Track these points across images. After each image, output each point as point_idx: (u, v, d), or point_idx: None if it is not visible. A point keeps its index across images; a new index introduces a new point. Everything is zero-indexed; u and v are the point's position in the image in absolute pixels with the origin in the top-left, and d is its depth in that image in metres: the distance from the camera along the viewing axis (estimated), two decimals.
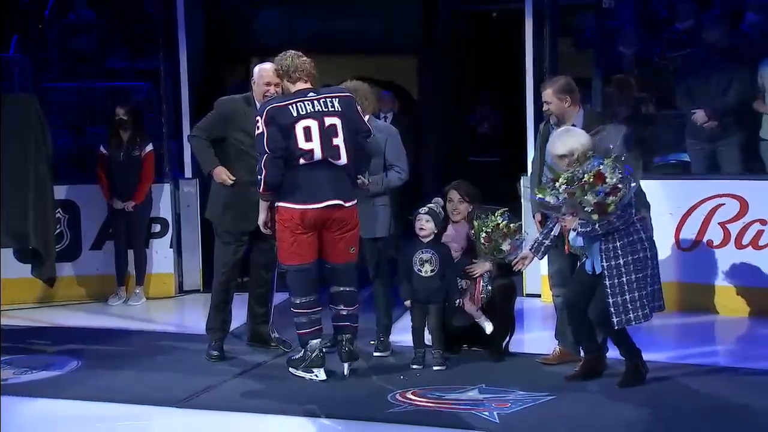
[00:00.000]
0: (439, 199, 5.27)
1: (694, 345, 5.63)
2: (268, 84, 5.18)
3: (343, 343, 4.89)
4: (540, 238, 4.80)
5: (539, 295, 6.78)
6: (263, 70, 5.23)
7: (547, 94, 4.89)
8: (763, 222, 6.22)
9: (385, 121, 7.80)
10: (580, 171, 4.44)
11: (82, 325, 6.44)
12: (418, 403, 4.51)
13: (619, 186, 4.40)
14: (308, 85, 4.85)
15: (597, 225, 4.47)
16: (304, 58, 4.87)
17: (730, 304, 6.29)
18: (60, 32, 8.75)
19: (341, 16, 9.90)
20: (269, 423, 4.44)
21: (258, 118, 4.76)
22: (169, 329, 6.41)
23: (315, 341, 4.85)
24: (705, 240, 6.36)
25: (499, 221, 5.10)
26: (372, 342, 5.43)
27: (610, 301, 4.52)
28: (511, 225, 5.13)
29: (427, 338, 5.19)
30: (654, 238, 4.70)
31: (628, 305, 4.51)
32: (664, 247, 6.17)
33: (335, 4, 9.86)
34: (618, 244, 4.52)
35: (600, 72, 7.29)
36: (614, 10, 7.63)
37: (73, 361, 5.38)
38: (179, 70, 7.35)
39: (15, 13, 8.33)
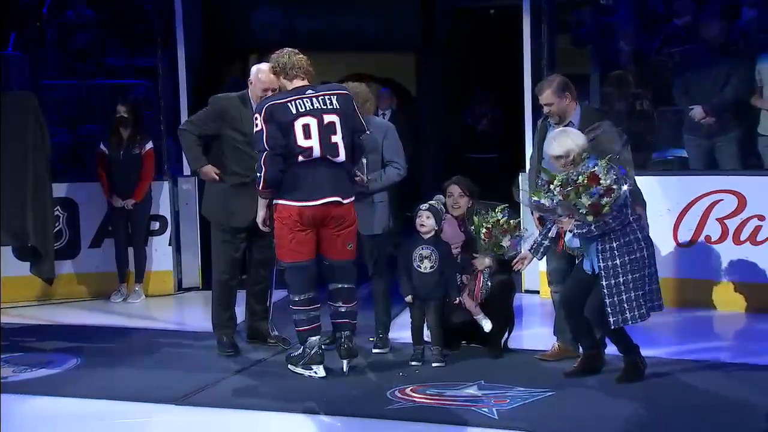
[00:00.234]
0: (440, 196, 5.28)
1: (693, 341, 5.64)
2: (266, 89, 5.18)
3: (342, 340, 4.90)
4: (539, 239, 4.81)
5: (538, 292, 6.79)
6: (262, 73, 5.23)
7: (546, 96, 4.89)
8: (761, 218, 6.22)
9: (384, 118, 7.81)
10: (575, 173, 4.46)
11: (82, 323, 6.44)
12: (417, 399, 4.52)
13: (614, 187, 4.42)
14: (305, 83, 4.86)
15: (593, 226, 4.48)
16: (301, 56, 4.87)
17: (728, 300, 6.30)
18: (58, 30, 8.74)
19: (340, 14, 9.90)
20: (268, 420, 4.45)
21: (257, 115, 4.77)
22: (168, 327, 6.42)
23: (314, 338, 4.86)
24: (703, 236, 6.36)
25: (500, 217, 5.11)
26: (371, 339, 5.44)
27: (607, 301, 4.53)
28: (511, 221, 5.14)
29: (426, 335, 5.19)
30: (651, 236, 4.71)
31: (625, 305, 4.53)
32: (662, 243, 6.19)
33: (334, 2, 9.86)
34: (614, 244, 4.53)
35: (598, 68, 7.31)
36: (612, 7, 7.63)
37: (72, 359, 5.39)
38: (178, 68, 7.35)
39: (13, 11, 8.32)
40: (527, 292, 6.88)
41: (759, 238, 6.23)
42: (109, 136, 7.10)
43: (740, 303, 6.28)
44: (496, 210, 5.14)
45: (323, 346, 4.93)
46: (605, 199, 4.43)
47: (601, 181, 4.42)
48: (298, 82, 4.85)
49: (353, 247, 4.96)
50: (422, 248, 5.11)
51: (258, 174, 4.75)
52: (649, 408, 4.35)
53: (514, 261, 4.97)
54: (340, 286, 4.92)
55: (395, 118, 7.98)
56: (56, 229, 6.71)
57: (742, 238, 6.28)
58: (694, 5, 7.20)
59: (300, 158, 4.75)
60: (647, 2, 7.76)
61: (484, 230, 5.10)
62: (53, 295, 7.01)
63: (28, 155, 5.58)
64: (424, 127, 9.83)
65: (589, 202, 4.43)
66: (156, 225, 7.30)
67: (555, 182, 4.49)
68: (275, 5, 9.92)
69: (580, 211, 4.46)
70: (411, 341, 5.20)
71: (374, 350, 5.36)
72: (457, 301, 5.14)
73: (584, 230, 4.52)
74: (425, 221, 5.12)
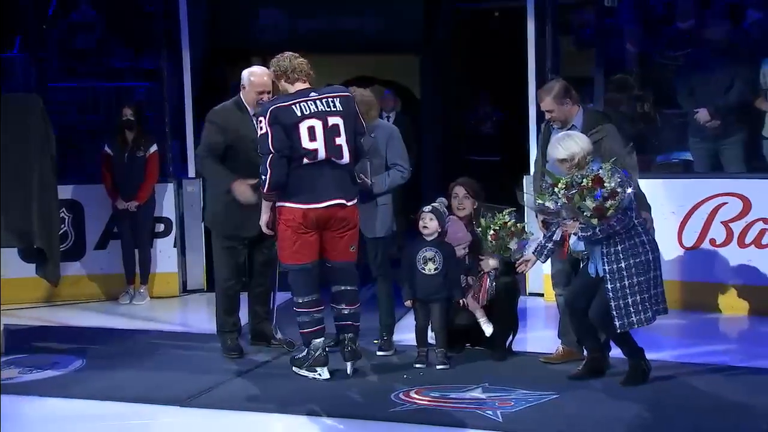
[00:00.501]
0: (443, 198, 5.28)
1: (697, 344, 5.63)
2: (261, 92, 5.19)
3: (346, 342, 4.90)
4: (542, 242, 4.81)
5: (542, 295, 6.79)
6: (255, 76, 5.23)
7: (546, 103, 4.89)
8: (765, 221, 6.22)
9: (388, 120, 7.82)
10: (579, 176, 4.46)
11: (87, 325, 6.46)
12: (422, 402, 4.52)
13: (618, 190, 4.41)
14: (307, 85, 4.86)
15: (597, 229, 4.48)
16: (301, 59, 4.88)
17: (733, 303, 6.30)
18: (63, 32, 8.76)
19: (343, 15, 9.91)
20: (272, 422, 4.46)
21: (261, 118, 4.77)
22: (172, 328, 6.42)
23: (318, 340, 4.86)
24: (708, 239, 6.36)
25: (507, 220, 5.12)
26: (375, 341, 5.44)
27: (612, 304, 4.53)
28: (518, 224, 5.15)
29: (430, 337, 5.20)
30: (656, 239, 4.71)
31: (630, 308, 4.52)
32: (667, 246, 6.18)
33: (337, 3, 9.87)
34: (619, 247, 4.53)
35: (601, 70, 7.30)
36: (616, 9, 7.63)
37: (77, 360, 5.40)
38: (182, 70, 7.36)
39: (18, 13, 8.34)
40: (531, 294, 6.88)
41: (764, 241, 6.22)
42: (113, 138, 7.12)
43: (745, 306, 6.27)
44: (504, 213, 5.14)
45: (327, 348, 4.93)
46: (610, 202, 4.43)
47: (605, 184, 4.42)
48: (299, 85, 4.86)
49: (356, 249, 4.96)
50: (426, 250, 5.11)
51: (263, 177, 4.76)
52: (653, 411, 4.35)
53: (518, 263, 4.97)
54: (343, 288, 4.93)
55: (399, 120, 7.98)
56: (62, 231, 6.72)
57: (747, 241, 6.27)
58: (699, 8, 7.19)
59: (305, 160, 4.75)
60: (651, 5, 7.76)
61: (491, 232, 5.10)
62: (58, 297, 7.02)
63: (33, 157, 5.58)
64: (427, 128, 9.83)
65: (594, 205, 4.43)
66: (161, 227, 7.32)
67: (559, 185, 4.49)
68: (279, 7, 9.93)
69: (585, 214, 4.46)
70: (415, 343, 5.20)
71: (378, 353, 5.36)
72: (461, 303, 5.14)
73: (589, 233, 4.52)
74: (428, 223, 5.12)
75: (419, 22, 9.98)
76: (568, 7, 7.86)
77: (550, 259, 5.04)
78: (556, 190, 4.51)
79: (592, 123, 4.87)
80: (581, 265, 4.79)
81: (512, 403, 4.44)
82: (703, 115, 6.67)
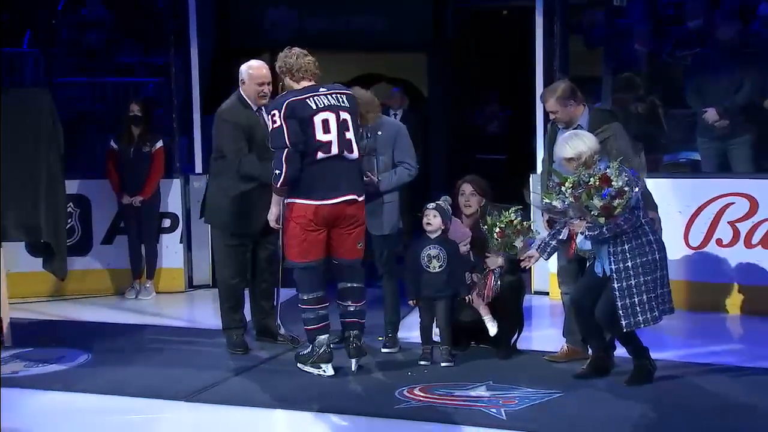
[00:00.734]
0: (447, 197, 5.28)
1: (703, 344, 5.62)
2: (262, 84, 5.19)
3: (351, 338, 4.91)
4: (547, 239, 4.81)
5: (547, 293, 6.79)
6: (254, 69, 5.24)
7: (551, 105, 4.89)
8: None
9: (395, 118, 7.81)
10: (586, 175, 4.46)
11: (93, 319, 6.48)
12: (426, 399, 4.52)
13: (625, 189, 4.41)
14: (313, 83, 4.86)
15: (604, 228, 4.47)
16: (309, 58, 4.86)
17: (739, 304, 6.28)
18: (72, 28, 8.79)
19: (351, 13, 9.90)
20: (277, 418, 4.47)
21: (275, 111, 4.74)
22: (178, 324, 6.44)
23: (323, 337, 4.87)
24: (714, 239, 6.34)
25: (513, 218, 5.12)
26: (380, 338, 5.44)
27: (619, 304, 4.52)
28: (524, 223, 5.15)
29: (435, 334, 5.20)
30: (663, 239, 4.70)
31: (637, 308, 4.52)
32: (674, 246, 6.15)
33: (346, 2, 9.87)
34: (626, 246, 4.52)
35: (610, 70, 7.29)
36: (625, 8, 7.61)
37: (83, 355, 5.41)
38: (190, 66, 7.38)
39: (28, 9, 8.37)
40: (537, 293, 6.87)
41: None
42: (120, 133, 7.14)
43: (750, 307, 6.25)
44: (510, 211, 5.14)
45: (332, 345, 4.94)
46: (617, 201, 4.42)
47: (612, 183, 4.41)
48: (304, 83, 4.86)
49: (363, 246, 4.97)
50: (430, 248, 5.11)
51: (277, 171, 4.73)
52: (658, 410, 4.34)
53: (522, 257, 4.97)
54: (349, 285, 4.93)
55: (406, 118, 7.98)
56: (69, 226, 6.74)
57: (754, 241, 6.26)
58: (708, 8, 7.17)
59: (319, 154, 4.73)
60: (660, 4, 7.74)
61: (497, 230, 5.10)
62: (65, 291, 7.05)
63: (41, 152, 5.61)
64: (434, 126, 9.83)
65: (601, 204, 4.42)
66: (167, 222, 7.33)
67: (566, 184, 4.48)
68: (287, 4, 9.94)
69: (592, 212, 4.46)
70: (420, 341, 5.21)
71: (383, 350, 5.36)
72: (466, 300, 5.14)
73: (596, 232, 4.51)
74: (432, 220, 5.12)
75: (427, 21, 9.97)
76: (577, 7, 7.85)
77: (556, 257, 5.04)
78: (563, 189, 4.51)
79: (598, 122, 4.87)
80: (587, 264, 4.79)
81: (516, 402, 4.45)
82: (711, 114, 6.66)
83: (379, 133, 5.24)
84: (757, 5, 6.99)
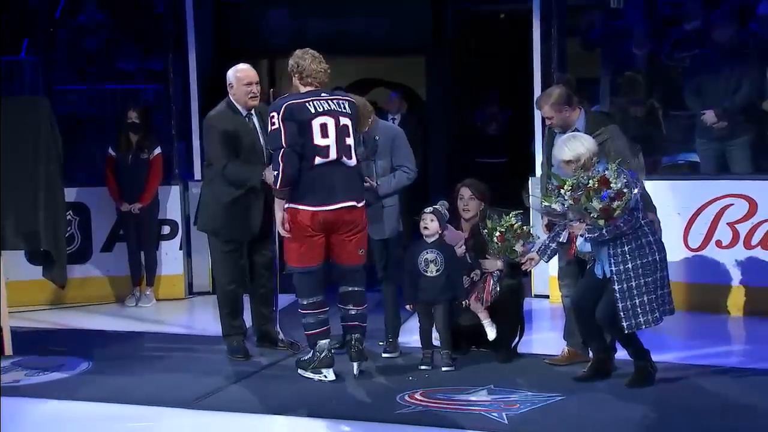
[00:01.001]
0: (445, 201, 5.28)
1: (703, 345, 5.62)
2: (250, 84, 5.20)
3: (353, 342, 4.90)
4: (547, 242, 4.81)
5: (547, 296, 6.78)
6: (241, 71, 5.24)
7: (546, 110, 4.90)
8: None
9: (393, 122, 7.82)
10: (585, 177, 4.46)
11: (93, 327, 6.47)
12: (427, 404, 4.52)
13: (624, 190, 4.41)
14: (318, 88, 4.87)
15: (604, 230, 4.47)
16: (323, 66, 4.83)
17: (739, 305, 6.28)
18: (70, 34, 8.79)
19: (350, 17, 9.91)
20: (278, 424, 4.46)
21: (274, 113, 4.74)
22: (179, 331, 6.44)
23: (323, 341, 4.87)
24: (714, 240, 6.34)
25: (513, 222, 5.12)
26: (381, 343, 5.44)
27: (620, 305, 4.52)
28: (524, 227, 5.15)
29: (435, 339, 5.19)
30: (662, 240, 4.70)
31: (638, 309, 4.51)
32: (673, 247, 6.13)
33: (344, 5, 9.88)
34: (626, 248, 4.52)
35: (607, 72, 7.29)
36: (622, 10, 7.62)
37: (83, 363, 5.41)
38: (188, 72, 7.38)
39: (26, 16, 8.37)
40: (537, 296, 6.87)
41: None
42: (118, 140, 7.14)
43: (751, 308, 6.25)
44: (510, 215, 5.14)
45: (333, 350, 4.93)
46: (616, 203, 4.43)
47: (611, 185, 4.42)
48: (310, 88, 4.86)
49: (365, 252, 4.96)
50: (427, 252, 5.11)
51: (275, 172, 4.73)
52: (659, 412, 4.34)
53: (522, 260, 4.97)
54: (350, 289, 4.93)
55: (405, 122, 7.98)
56: (68, 234, 6.74)
57: (753, 242, 6.26)
58: (705, 9, 7.17)
59: (317, 159, 4.73)
60: (657, 6, 7.74)
61: (497, 234, 5.10)
62: (65, 299, 7.04)
63: (40, 159, 5.60)
64: (433, 130, 9.83)
65: (600, 206, 4.42)
66: (167, 229, 7.33)
67: (566, 187, 4.48)
68: (286, 9, 9.95)
69: (592, 215, 4.46)
70: (420, 345, 5.20)
71: (384, 354, 5.36)
72: (466, 305, 5.13)
73: (596, 234, 4.52)
74: (429, 224, 5.12)
75: (426, 24, 9.98)
76: (575, 9, 7.85)
77: (556, 260, 5.04)
78: (562, 191, 4.51)
79: (595, 125, 4.87)
80: (587, 266, 4.78)
81: (518, 405, 4.44)
82: (709, 116, 6.66)
83: (377, 138, 5.24)
84: (756, 5, 6.99)
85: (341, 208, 4.78)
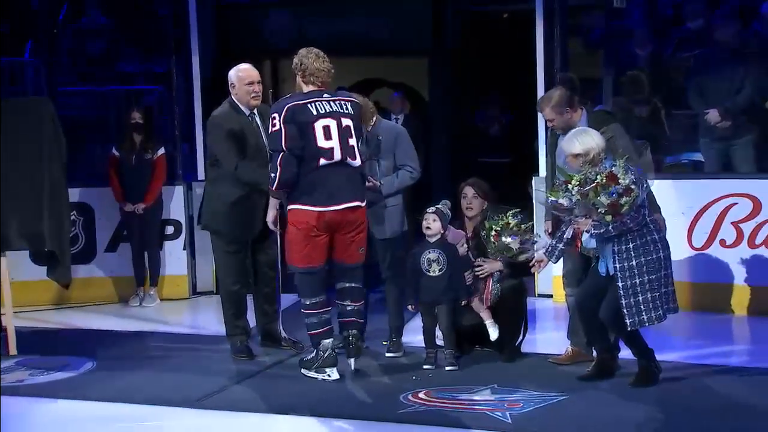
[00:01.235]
0: (447, 201, 5.28)
1: (707, 345, 5.61)
2: (251, 83, 5.20)
3: (350, 338, 4.91)
4: (554, 242, 4.80)
5: (551, 296, 6.78)
6: (242, 71, 5.24)
7: (547, 113, 4.91)
8: None
9: (397, 122, 7.82)
10: (593, 172, 4.45)
11: (97, 327, 6.48)
12: (431, 403, 4.52)
13: (632, 187, 4.40)
14: (321, 89, 4.87)
15: (610, 226, 4.47)
16: (327, 65, 4.83)
17: (743, 304, 6.27)
18: (73, 37, 8.81)
19: (351, 18, 9.92)
20: (282, 423, 4.46)
21: (275, 115, 4.74)
22: (183, 330, 6.45)
23: (327, 341, 4.87)
24: (718, 239, 6.34)
25: (510, 221, 5.11)
26: (384, 342, 5.44)
27: (623, 302, 4.51)
28: (523, 225, 5.14)
29: (439, 338, 5.19)
30: (667, 238, 4.70)
31: (641, 306, 4.51)
32: (677, 246, 6.12)
33: (345, 6, 9.89)
34: (631, 245, 4.52)
35: (610, 72, 7.28)
36: (625, 10, 7.62)
37: (88, 363, 5.42)
38: (191, 73, 7.39)
39: (29, 19, 8.40)
40: (540, 296, 6.87)
41: None
42: (122, 140, 7.15)
43: (755, 307, 6.24)
44: (508, 214, 5.14)
45: (336, 350, 4.93)
46: (624, 199, 4.42)
47: (620, 181, 4.40)
48: (312, 87, 4.86)
49: (364, 251, 4.97)
50: (429, 252, 5.11)
51: (272, 174, 4.74)
52: (663, 412, 4.33)
53: (531, 263, 4.96)
54: (348, 285, 4.93)
55: (408, 122, 7.98)
56: (72, 234, 6.75)
57: (758, 241, 6.25)
58: (708, 8, 7.17)
59: (321, 161, 4.73)
60: (660, 5, 7.74)
61: (493, 233, 5.10)
62: (69, 299, 7.05)
63: (44, 160, 5.63)
64: (436, 130, 9.83)
65: (609, 202, 4.41)
66: (170, 229, 7.34)
67: (573, 181, 4.47)
68: (288, 11, 9.96)
69: (599, 210, 4.45)
70: (424, 345, 5.20)
71: (387, 354, 5.36)
72: (466, 303, 5.13)
73: (602, 230, 4.50)
74: (431, 224, 5.12)
75: (428, 25, 9.99)
76: (577, 9, 7.85)
77: (561, 260, 5.03)
78: (569, 186, 4.49)
79: (598, 124, 4.87)
80: (592, 265, 4.78)
81: (521, 405, 4.44)
82: (713, 115, 6.66)
83: (380, 137, 5.24)
84: (759, 4, 6.98)
85: (346, 208, 4.78)
